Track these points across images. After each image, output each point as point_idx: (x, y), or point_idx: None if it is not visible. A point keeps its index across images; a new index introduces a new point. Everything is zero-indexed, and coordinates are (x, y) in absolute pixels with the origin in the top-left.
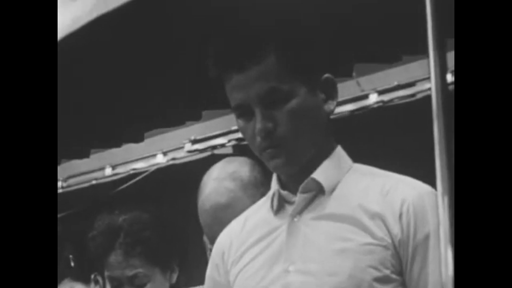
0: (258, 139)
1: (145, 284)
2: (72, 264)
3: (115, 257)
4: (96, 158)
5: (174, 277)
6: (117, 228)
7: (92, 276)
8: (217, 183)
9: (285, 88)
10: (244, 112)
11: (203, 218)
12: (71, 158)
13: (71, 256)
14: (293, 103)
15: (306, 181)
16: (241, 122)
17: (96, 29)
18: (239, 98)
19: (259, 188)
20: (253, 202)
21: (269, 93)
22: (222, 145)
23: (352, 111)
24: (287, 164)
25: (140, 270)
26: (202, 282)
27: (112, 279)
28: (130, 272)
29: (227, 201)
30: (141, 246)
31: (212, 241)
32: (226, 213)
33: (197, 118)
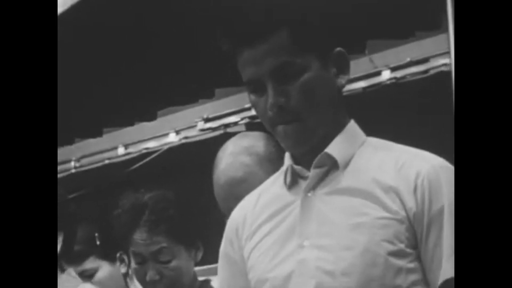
0: (270, 113)
1: (169, 261)
2: (98, 242)
3: (139, 234)
4: (109, 138)
5: (199, 255)
6: (142, 206)
7: (118, 255)
8: (232, 157)
9: (297, 63)
10: (256, 87)
11: (218, 193)
12: (84, 137)
13: (96, 234)
14: (305, 77)
15: (319, 155)
16: (253, 97)
17: (105, 5)
18: (251, 73)
19: (274, 162)
20: (268, 176)
21: (281, 67)
22: (235, 123)
23: (365, 88)
24: (300, 140)
25: (164, 245)
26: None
27: (136, 255)
28: (154, 248)
29: (243, 176)
30: (165, 224)
31: (228, 216)
32: (242, 187)
33: (209, 96)
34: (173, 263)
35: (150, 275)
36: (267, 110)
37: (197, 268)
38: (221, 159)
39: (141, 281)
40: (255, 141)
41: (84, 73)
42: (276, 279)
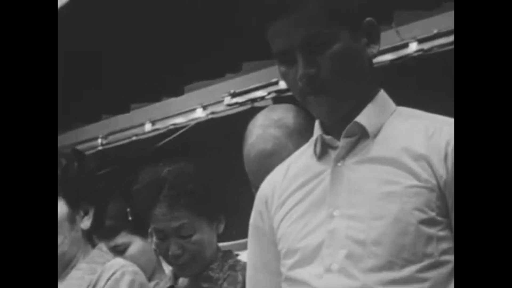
0: (300, 84)
1: (191, 235)
2: (129, 217)
3: (160, 210)
4: (136, 114)
5: (221, 227)
6: (161, 180)
7: (150, 230)
8: (262, 130)
9: (328, 33)
10: (286, 59)
11: (248, 166)
12: (111, 113)
13: (128, 209)
14: (336, 47)
15: (349, 125)
16: (283, 68)
17: None
18: (281, 44)
19: (303, 135)
20: (298, 149)
21: (311, 38)
22: (262, 98)
23: (392, 61)
24: (331, 109)
25: (185, 221)
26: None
27: (157, 232)
28: (175, 224)
29: (273, 148)
30: (185, 198)
31: (258, 188)
32: (272, 160)
33: (236, 70)
34: (195, 237)
35: (172, 250)
36: (297, 81)
37: (224, 244)
38: (251, 132)
39: (164, 255)
40: (285, 114)
41: (111, 49)
42: (306, 249)
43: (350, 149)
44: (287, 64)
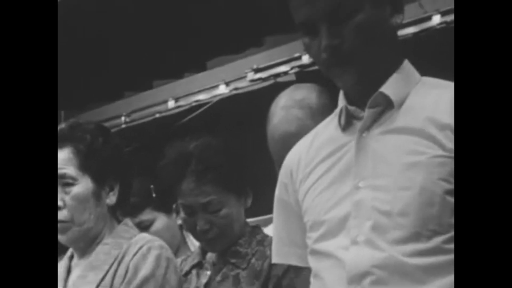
0: (324, 55)
1: (219, 210)
2: (154, 194)
3: (187, 185)
4: (159, 92)
5: (249, 201)
6: (188, 155)
7: (174, 206)
8: (284, 111)
9: (351, 3)
10: (309, 29)
11: (272, 147)
12: (134, 90)
13: (152, 186)
14: (359, 17)
15: (374, 95)
16: (306, 39)
17: None
18: (304, 14)
19: (326, 115)
20: None
21: (334, 8)
22: (285, 73)
23: (416, 33)
24: (355, 80)
25: (213, 196)
26: (272, 210)
27: (185, 207)
28: (203, 199)
29: (296, 130)
30: (213, 173)
31: None
32: (296, 141)
33: (259, 44)
34: (223, 212)
35: (200, 225)
36: (321, 52)
37: (249, 220)
38: (274, 113)
39: (191, 231)
40: (308, 94)
41: (133, 26)
42: (332, 221)
43: (375, 120)
44: (310, 35)
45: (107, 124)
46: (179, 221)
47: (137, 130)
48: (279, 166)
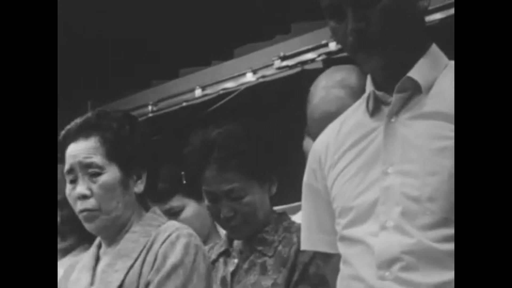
0: (350, 39)
1: (242, 197)
2: (184, 181)
3: (210, 172)
4: (186, 80)
5: (274, 189)
6: (211, 142)
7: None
8: (325, 91)
9: None
10: (335, 13)
11: (312, 128)
12: (160, 78)
13: (183, 172)
14: (386, 1)
15: (401, 80)
16: (333, 23)
17: None
18: None
19: None
20: None
21: None
22: (312, 60)
23: (442, 20)
24: (381, 64)
25: (236, 184)
26: (299, 198)
27: (209, 194)
28: (226, 186)
29: (337, 109)
30: (235, 160)
31: None
32: None
33: (286, 31)
34: (246, 199)
35: (224, 212)
36: (347, 35)
37: (276, 208)
38: (314, 94)
39: (216, 218)
40: (348, 74)
41: (159, 14)
42: (361, 207)
43: (403, 105)
44: (336, 19)
45: (134, 113)
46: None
47: (164, 119)
48: None
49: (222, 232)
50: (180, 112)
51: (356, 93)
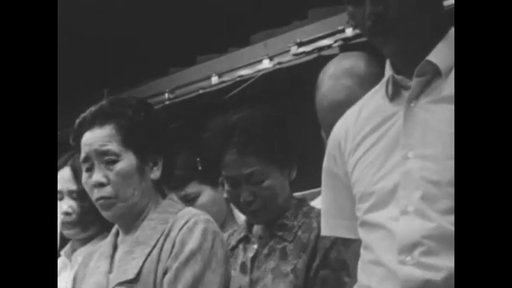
0: (369, 23)
1: (262, 181)
2: (199, 167)
3: (230, 156)
4: (202, 67)
5: (293, 174)
6: (231, 126)
7: (220, 179)
8: (333, 80)
9: None
10: None
11: (321, 117)
12: (177, 66)
13: (198, 159)
14: None
15: (421, 63)
16: (351, 8)
17: None
18: None
19: (376, 83)
20: None
21: None
22: (329, 46)
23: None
24: (400, 48)
25: (256, 167)
26: (319, 184)
27: (229, 179)
28: (246, 170)
29: (345, 98)
30: (255, 144)
31: None
32: (345, 110)
33: (302, 17)
34: (266, 183)
35: (244, 196)
36: (365, 19)
37: (295, 194)
38: (322, 82)
39: (235, 203)
40: (356, 62)
41: (175, 1)
42: (381, 192)
43: (423, 89)
44: (354, 3)
45: (151, 101)
46: (225, 194)
47: (181, 107)
48: (328, 135)
49: (239, 218)
50: (196, 100)
51: (365, 81)
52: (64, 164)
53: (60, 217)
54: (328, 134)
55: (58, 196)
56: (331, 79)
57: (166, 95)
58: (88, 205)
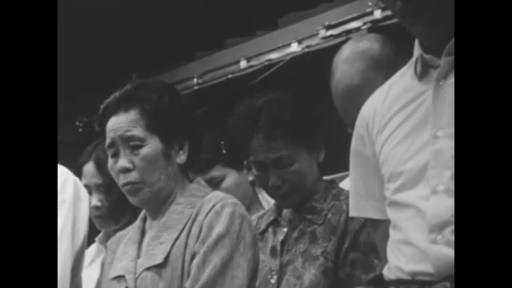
0: (399, 3)
1: (290, 165)
2: (223, 150)
3: (257, 141)
4: (230, 52)
5: (321, 156)
6: (257, 111)
7: (245, 162)
8: (347, 64)
9: None
10: None
11: (337, 102)
12: (205, 49)
13: (222, 142)
14: None
15: (450, 42)
16: None
17: None
18: None
19: (391, 67)
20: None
21: None
22: (357, 29)
23: None
24: (429, 28)
25: (283, 152)
26: (346, 168)
27: (256, 163)
28: (273, 155)
29: (360, 83)
30: (281, 127)
31: (349, 125)
32: (360, 95)
33: (330, 0)
34: (294, 167)
35: (272, 181)
36: (396, 0)
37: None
38: (336, 66)
39: (264, 187)
40: (370, 44)
41: None
42: (410, 172)
43: (452, 68)
44: None
45: (179, 86)
46: (250, 178)
47: (210, 91)
48: (346, 120)
49: (264, 200)
50: (225, 84)
51: (379, 64)
52: (88, 159)
53: (91, 212)
54: (347, 120)
55: (87, 190)
56: (345, 63)
57: (195, 80)
58: (116, 197)
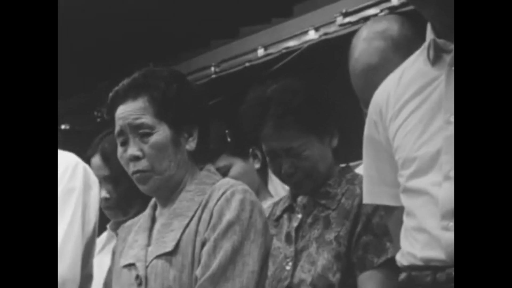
0: None
1: (301, 153)
2: (228, 139)
3: (267, 130)
4: (247, 40)
5: (335, 141)
6: (267, 99)
7: (251, 150)
8: (366, 43)
9: None
10: None
11: (355, 82)
12: (221, 38)
13: (227, 131)
14: None
15: None
16: None
17: None
18: None
19: (410, 47)
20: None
21: None
22: (375, 16)
23: None
24: (440, 11)
25: (294, 140)
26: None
27: (268, 152)
28: (284, 144)
29: (378, 62)
30: (292, 115)
31: (366, 106)
32: (378, 75)
33: None
34: (306, 153)
35: (285, 168)
36: None
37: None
38: (355, 46)
39: (277, 174)
40: (389, 25)
41: None
42: (424, 157)
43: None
44: None
45: (197, 75)
46: (257, 166)
47: (228, 80)
48: (362, 102)
49: (273, 188)
50: (243, 73)
51: (398, 44)
52: (95, 151)
53: (101, 203)
54: (363, 100)
55: None
56: (364, 43)
57: (212, 68)
58: (123, 189)
